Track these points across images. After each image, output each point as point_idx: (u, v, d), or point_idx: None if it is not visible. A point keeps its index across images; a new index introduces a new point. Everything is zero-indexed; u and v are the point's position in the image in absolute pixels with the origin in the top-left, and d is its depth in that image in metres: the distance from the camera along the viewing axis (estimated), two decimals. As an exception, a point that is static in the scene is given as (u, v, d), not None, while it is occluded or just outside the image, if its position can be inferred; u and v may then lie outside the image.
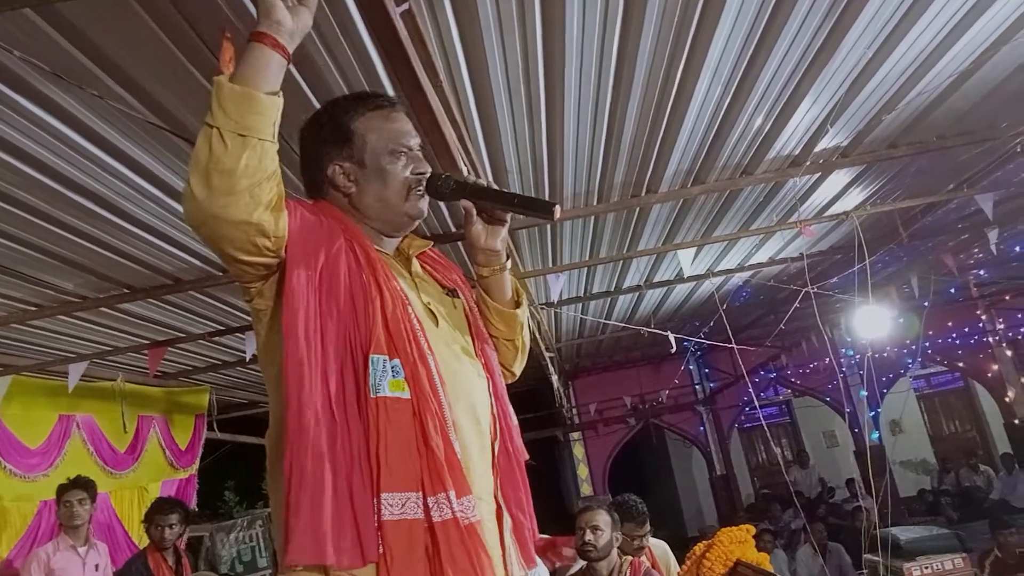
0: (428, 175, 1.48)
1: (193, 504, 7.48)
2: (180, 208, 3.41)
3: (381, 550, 1.18)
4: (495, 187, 1.58)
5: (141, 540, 5.60)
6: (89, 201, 3.24)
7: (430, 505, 1.22)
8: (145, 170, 3.06)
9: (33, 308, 4.39)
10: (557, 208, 1.39)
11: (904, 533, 6.57)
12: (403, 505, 1.21)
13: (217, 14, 2.13)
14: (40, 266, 3.82)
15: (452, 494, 1.24)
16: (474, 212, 1.52)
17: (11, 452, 5.35)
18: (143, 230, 3.62)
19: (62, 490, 4.62)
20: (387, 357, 1.28)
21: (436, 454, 1.25)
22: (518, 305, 1.64)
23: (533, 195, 4.06)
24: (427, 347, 1.34)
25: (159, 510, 4.58)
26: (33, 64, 2.13)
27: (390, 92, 2.76)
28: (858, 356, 10.21)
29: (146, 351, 5.44)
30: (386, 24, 1.75)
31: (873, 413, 10.21)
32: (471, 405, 1.39)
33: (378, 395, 1.25)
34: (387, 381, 1.27)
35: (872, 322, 6.12)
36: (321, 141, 1.49)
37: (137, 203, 3.34)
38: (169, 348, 5.61)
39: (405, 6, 1.84)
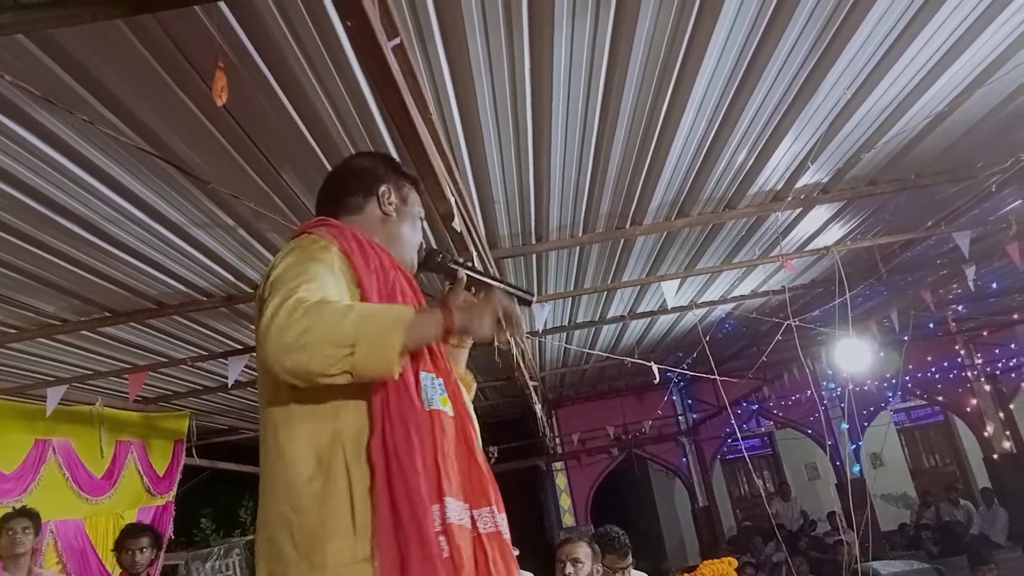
0: (428, 248, 1.76)
1: (169, 532, 7.35)
2: (165, 232, 3.43)
3: (447, 553, 1.25)
4: (479, 274, 1.75)
5: (115, 569, 5.48)
6: (73, 224, 3.23)
7: (475, 517, 1.35)
8: (131, 194, 3.06)
9: (12, 331, 4.35)
10: (535, 300, 1.58)
11: (885, 567, 6.58)
12: (460, 512, 1.31)
13: (210, 42, 2.15)
14: (21, 288, 3.79)
15: (495, 508, 1.37)
16: (464, 282, 1.70)
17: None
18: (127, 253, 3.61)
19: (7, 518, 4.48)
20: (434, 375, 1.41)
21: (481, 469, 1.39)
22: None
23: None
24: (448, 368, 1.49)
25: (129, 535, 4.49)
26: (23, 88, 2.14)
27: (379, 120, 2.80)
28: (839, 389, 10.28)
29: (127, 375, 5.38)
30: (378, 58, 1.77)
31: (854, 446, 10.25)
32: (474, 424, 1.51)
33: (432, 408, 1.36)
34: (438, 397, 1.39)
35: (853, 355, 6.18)
36: (384, 166, 1.73)
37: (122, 226, 3.34)
38: (150, 373, 5.56)
39: (397, 41, 1.87)
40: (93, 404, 6.19)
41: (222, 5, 2.06)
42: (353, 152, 2.99)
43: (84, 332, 4.52)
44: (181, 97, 2.45)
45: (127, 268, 3.78)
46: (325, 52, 2.35)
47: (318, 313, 1.23)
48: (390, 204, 1.67)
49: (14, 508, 4.61)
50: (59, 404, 5.25)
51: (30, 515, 4.52)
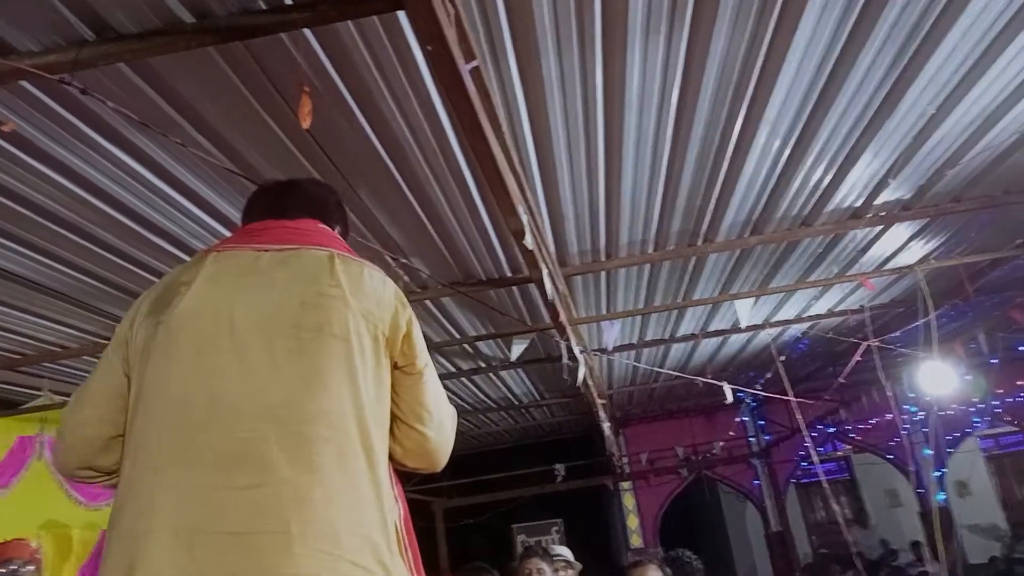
0: None
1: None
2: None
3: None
4: None
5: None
6: (162, 239, 3.39)
7: None
8: (216, 211, 3.21)
9: (104, 341, 4.57)
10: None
11: (974, 603, 6.24)
12: None
13: (295, 68, 2.25)
14: (113, 300, 3.99)
15: None
16: None
17: (79, 485, 5.51)
18: (212, 269, 3.76)
19: None
20: None
21: None
22: None
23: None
24: None
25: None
26: (123, 114, 2.28)
27: (452, 139, 2.86)
28: (922, 413, 9.85)
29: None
30: (455, 80, 1.82)
31: (939, 473, 9.80)
32: None
33: None
34: None
35: (937, 378, 5.91)
36: (340, 211, 1.68)
37: (206, 241, 3.49)
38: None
39: (475, 63, 1.92)
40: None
41: (308, 32, 2.15)
42: (425, 169, 3.06)
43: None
44: (266, 120, 2.56)
45: (211, 283, 3.93)
46: (403, 74, 2.42)
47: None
48: None
49: None
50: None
51: None
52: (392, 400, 1.40)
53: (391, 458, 1.39)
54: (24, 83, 2.21)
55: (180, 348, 1.29)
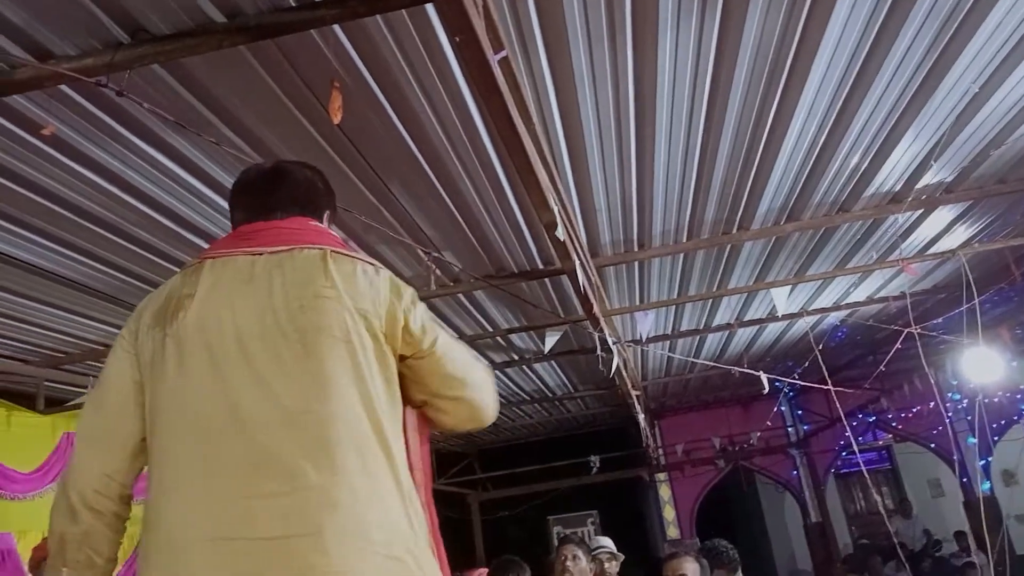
0: None
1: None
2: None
3: None
4: None
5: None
6: (199, 238, 3.44)
7: None
8: (252, 210, 3.23)
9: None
10: None
11: (1024, 595, 6.09)
12: None
13: (326, 66, 2.25)
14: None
15: None
16: None
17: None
18: (248, 266, 3.80)
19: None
20: None
21: None
22: None
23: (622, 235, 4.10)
24: None
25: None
26: (158, 115, 2.30)
27: (482, 131, 2.84)
28: (966, 401, 9.63)
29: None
30: (484, 71, 1.81)
31: (984, 462, 9.57)
32: None
33: None
34: None
35: (982, 365, 5.77)
36: (326, 190, 1.66)
37: (243, 241, 3.52)
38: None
39: (503, 54, 1.91)
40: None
41: (337, 29, 2.15)
42: (456, 162, 3.06)
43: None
44: (298, 117, 2.58)
45: (247, 280, 3.98)
46: (432, 67, 2.41)
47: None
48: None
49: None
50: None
51: None
52: (421, 383, 1.44)
53: (443, 429, 1.52)
54: (62, 87, 2.25)
55: (192, 360, 1.32)
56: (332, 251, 1.42)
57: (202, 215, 3.22)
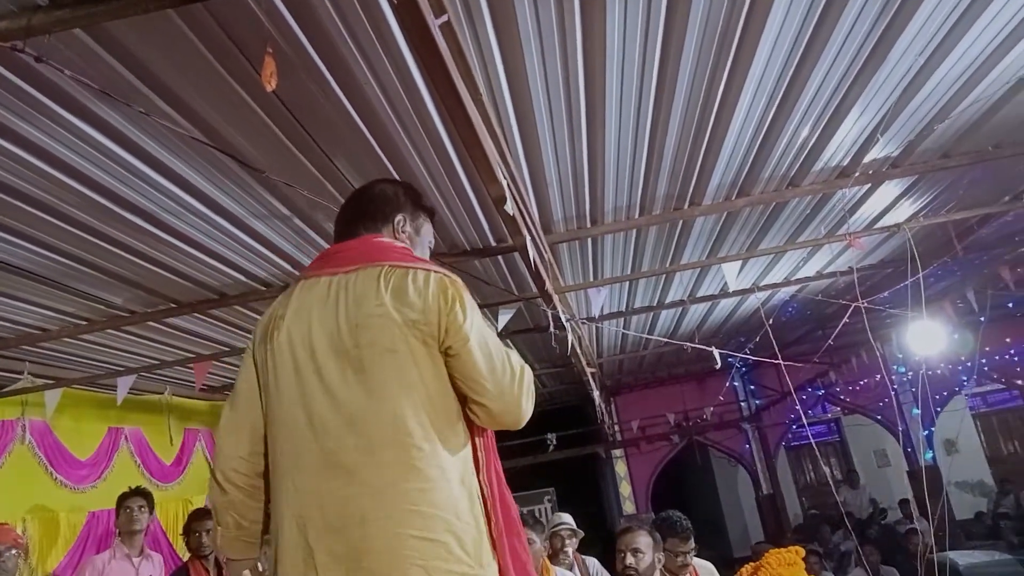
0: None
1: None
2: (224, 223, 3.48)
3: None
4: None
5: (184, 552, 5.65)
6: (136, 216, 3.30)
7: None
8: (189, 185, 3.11)
9: (83, 322, 4.49)
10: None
11: (963, 558, 6.32)
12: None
13: (259, 28, 2.15)
14: (90, 281, 3.90)
15: None
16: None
17: (62, 463, 5.47)
18: (188, 245, 3.68)
19: (123, 497, 4.76)
20: None
21: None
22: None
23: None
24: None
25: (196, 518, 4.63)
26: (82, 83, 2.17)
27: (429, 104, 2.76)
28: (911, 373, 9.91)
29: (192, 365, 5.52)
30: (425, 36, 1.73)
31: (927, 432, 9.88)
32: None
33: None
34: None
35: (926, 338, 5.92)
36: (404, 195, 1.91)
37: (182, 218, 3.40)
38: (214, 362, 5.69)
39: (444, 18, 1.83)
40: (162, 393, 6.38)
41: (269, -11, 2.05)
42: (403, 136, 2.98)
43: (151, 323, 4.64)
44: (233, 86, 2.46)
45: (189, 259, 3.85)
46: (373, 33, 2.31)
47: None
48: (403, 232, 1.86)
49: (130, 488, 4.88)
50: (129, 393, 5.43)
51: (144, 494, 4.82)
52: (454, 383, 1.62)
53: (481, 425, 1.68)
54: (-25, 52, 2.10)
55: (283, 372, 1.63)
56: (389, 266, 1.65)
57: (137, 191, 3.07)
